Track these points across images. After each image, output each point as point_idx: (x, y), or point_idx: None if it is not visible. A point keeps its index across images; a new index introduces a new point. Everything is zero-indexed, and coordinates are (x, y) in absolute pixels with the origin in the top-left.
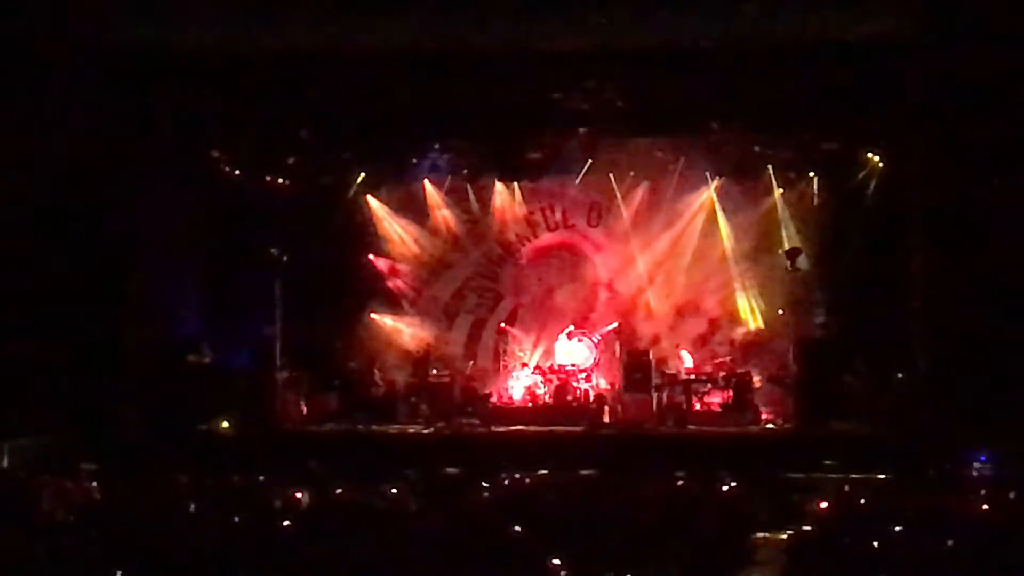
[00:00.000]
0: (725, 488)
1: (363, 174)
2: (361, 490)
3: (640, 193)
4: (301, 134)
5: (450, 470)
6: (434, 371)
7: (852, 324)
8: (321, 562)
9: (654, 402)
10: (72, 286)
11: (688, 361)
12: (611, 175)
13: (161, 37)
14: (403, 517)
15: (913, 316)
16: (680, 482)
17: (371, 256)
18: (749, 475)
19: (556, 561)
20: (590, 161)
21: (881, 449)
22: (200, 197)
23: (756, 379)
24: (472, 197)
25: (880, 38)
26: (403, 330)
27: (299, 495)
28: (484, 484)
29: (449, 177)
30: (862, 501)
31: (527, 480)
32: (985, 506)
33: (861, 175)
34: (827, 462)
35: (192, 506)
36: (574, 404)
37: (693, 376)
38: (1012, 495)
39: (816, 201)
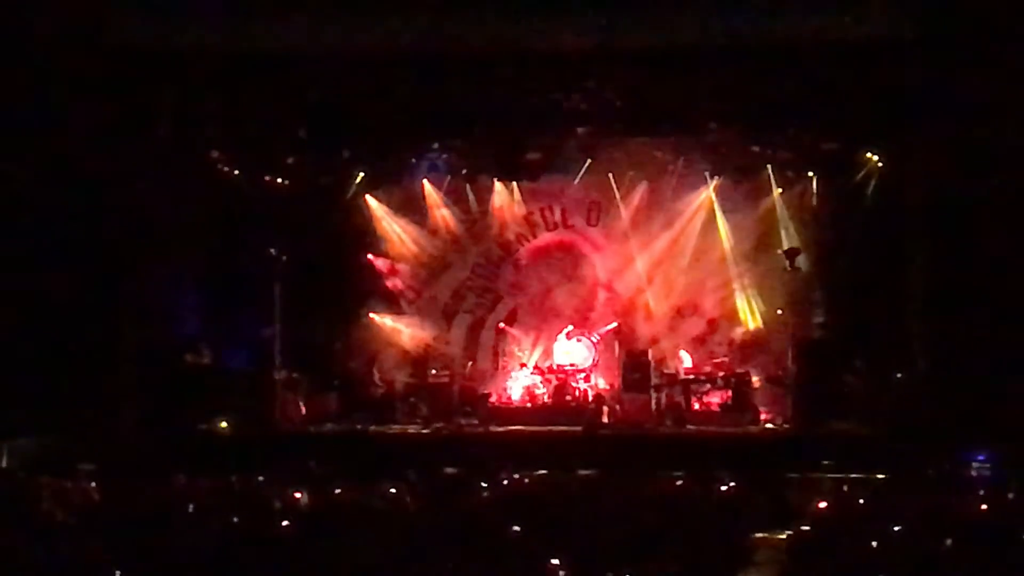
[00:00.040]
0: (724, 488)
1: (362, 174)
2: (360, 490)
3: (639, 193)
4: (300, 134)
5: (449, 470)
6: (433, 371)
7: (851, 324)
8: (320, 562)
9: (653, 402)
10: (71, 286)
11: (687, 361)
12: (610, 175)
13: (161, 37)
14: (402, 517)
15: (912, 316)
16: (679, 482)
17: (370, 256)
18: (748, 475)
19: (555, 561)
20: (589, 161)
21: (880, 449)
22: (199, 197)
23: (755, 379)
24: (471, 197)
25: (879, 38)
26: (402, 330)
27: (298, 495)
28: (483, 484)
29: (448, 177)
30: (861, 501)
31: (526, 480)
32: (984, 506)
33: (860, 175)
34: (826, 462)
35: (191, 506)
36: (573, 404)
37: (692, 376)
38: (1011, 495)
39: (815, 201)
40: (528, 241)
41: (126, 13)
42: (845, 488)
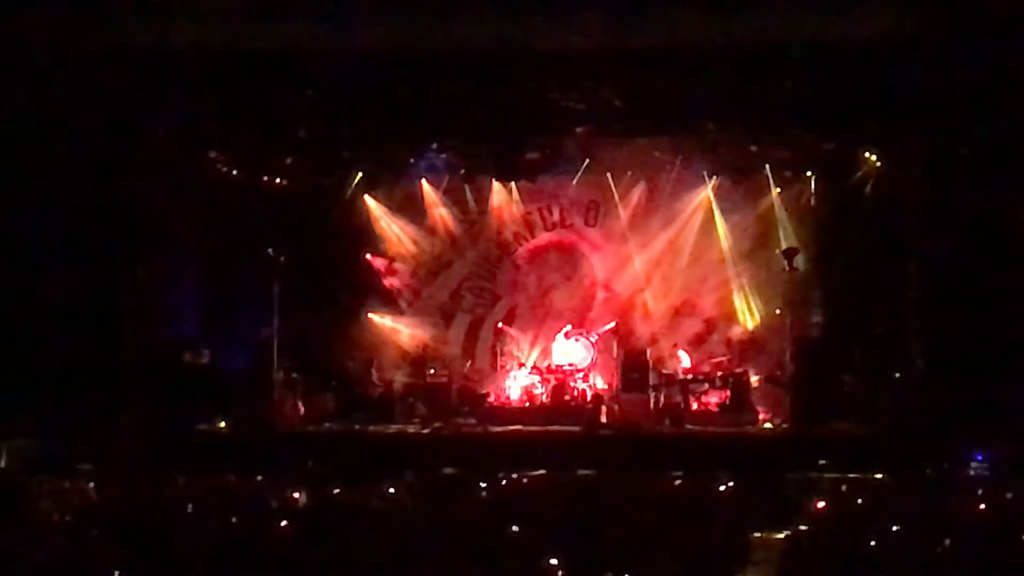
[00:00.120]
0: (722, 488)
1: (360, 174)
2: (359, 490)
3: (638, 193)
4: (299, 134)
5: (447, 470)
6: (431, 371)
7: (849, 324)
8: (319, 563)
9: (651, 402)
10: (69, 286)
11: (686, 361)
12: (609, 175)
13: (160, 37)
14: (401, 517)
15: (910, 316)
16: (677, 482)
17: (368, 256)
18: (746, 475)
19: (553, 561)
20: (588, 161)
21: (878, 449)
22: (197, 197)
23: (753, 379)
24: (469, 197)
25: (878, 38)
26: (400, 330)
27: (297, 495)
28: (481, 484)
29: (447, 177)
30: (859, 501)
31: (524, 480)
32: (982, 506)
33: (858, 175)
34: (824, 462)
35: (189, 507)
36: (571, 404)
37: (690, 376)
38: (1009, 495)
39: (813, 201)
40: (526, 241)
41: (126, 13)
42: (843, 488)
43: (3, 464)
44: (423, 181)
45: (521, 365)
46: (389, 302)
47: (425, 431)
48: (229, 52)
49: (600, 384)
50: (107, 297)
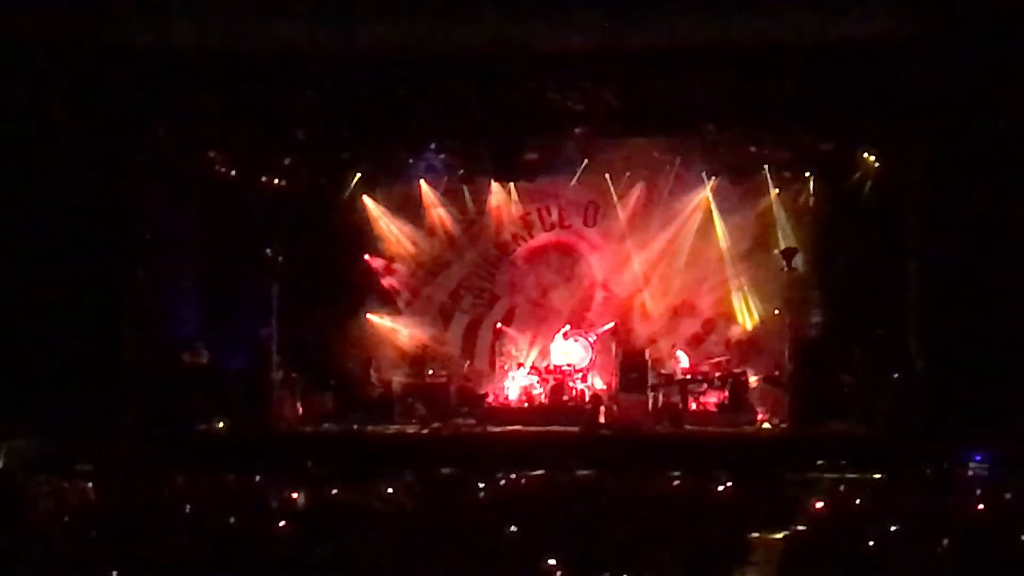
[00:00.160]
0: (721, 488)
1: (359, 174)
2: (357, 490)
3: (636, 193)
4: (297, 134)
5: (446, 470)
6: (430, 371)
7: (848, 324)
8: (318, 563)
9: (650, 402)
10: (68, 286)
11: (684, 361)
12: (607, 175)
13: (159, 37)
14: (399, 517)
15: (909, 316)
16: (676, 482)
17: (367, 256)
18: (745, 475)
19: (552, 561)
20: (586, 161)
21: (877, 449)
22: (196, 197)
23: (752, 379)
24: (468, 197)
25: (877, 38)
26: (399, 330)
27: (295, 495)
28: (480, 484)
29: (445, 177)
30: (858, 501)
31: (523, 480)
32: (981, 506)
33: (857, 175)
34: (823, 462)
35: (188, 507)
36: (570, 404)
37: (689, 376)
38: (1008, 495)
39: (812, 201)
40: (525, 241)
41: (126, 13)
42: (842, 488)
43: (1, 464)
44: (422, 181)
45: (520, 365)
46: (388, 302)
47: (424, 431)
48: (228, 52)
49: (599, 384)
50: (106, 297)
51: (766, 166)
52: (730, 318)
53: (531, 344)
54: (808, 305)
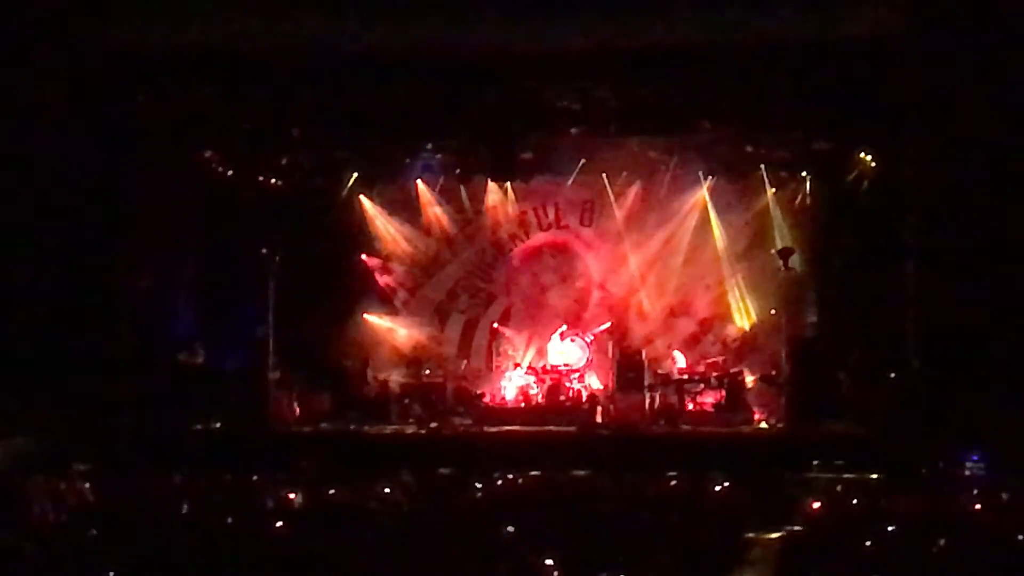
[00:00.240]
0: (718, 488)
1: (356, 174)
2: (354, 490)
3: (633, 193)
4: (294, 134)
5: (443, 470)
6: (427, 371)
7: (845, 324)
8: (315, 562)
9: (647, 402)
10: (65, 285)
11: (681, 361)
12: (604, 175)
13: (156, 37)
14: (396, 517)
15: (906, 316)
16: (673, 482)
17: (364, 256)
18: (742, 475)
19: (549, 562)
20: (583, 161)
21: (874, 449)
22: (193, 196)
23: (749, 379)
24: (465, 197)
25: (874, 38)
26: (396, 330)
27: (292, 495)
28: (477, 484)
29: (442, 177)
30: (855, 501)
31: (520, 480)
32: (978, 506)
33: (854, 175)
34: (820, 462)
35: (185, 506)
36: (567, 404)
37: (686, 376)
38: (1005, 495)
39: (809, 201)
40: (522, 241)
41: (126, 13)
42: (839, 488)
43: None
44: (418, 181)
45: (517, 365)
46: (384, 302)
47: (421, 431)
48: (223, 51)
49: (595, 384)
50: (103, 297)
51: (763, 166)
52: (727, 318)
53: (528, 344)
54: (805, 305)
